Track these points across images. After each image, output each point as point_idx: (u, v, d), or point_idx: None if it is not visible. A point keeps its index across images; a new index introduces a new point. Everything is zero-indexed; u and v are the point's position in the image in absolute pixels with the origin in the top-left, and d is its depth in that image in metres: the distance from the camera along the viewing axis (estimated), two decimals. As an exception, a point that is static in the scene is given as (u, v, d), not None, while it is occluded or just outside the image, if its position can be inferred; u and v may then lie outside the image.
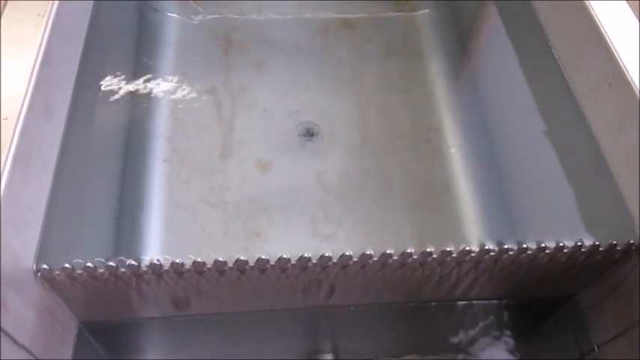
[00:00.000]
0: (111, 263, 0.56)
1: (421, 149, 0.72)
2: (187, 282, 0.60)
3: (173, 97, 0.75)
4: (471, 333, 0.79)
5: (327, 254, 0.59)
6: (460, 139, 0.73)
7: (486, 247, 0.60)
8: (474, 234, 0.64)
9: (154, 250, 0.60)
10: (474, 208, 0.67)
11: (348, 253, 0.59)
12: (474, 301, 0.70)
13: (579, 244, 0.60)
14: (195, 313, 0.67)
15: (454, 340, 0.80)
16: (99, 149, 0.66)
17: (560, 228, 0.61)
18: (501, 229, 0.64)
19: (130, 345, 0.75)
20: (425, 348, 0.83)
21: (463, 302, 0.70)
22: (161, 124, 0.72)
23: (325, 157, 0.71)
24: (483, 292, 0.68)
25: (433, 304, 0.69)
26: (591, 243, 0.60)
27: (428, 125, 0.75)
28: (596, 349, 0.68)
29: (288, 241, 0.63)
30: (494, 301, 0.70)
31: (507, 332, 0.80)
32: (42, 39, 0.62)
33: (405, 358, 0.82)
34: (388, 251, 0.59)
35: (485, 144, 0.72)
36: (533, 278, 0.65)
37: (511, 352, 0.81)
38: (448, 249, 0.60)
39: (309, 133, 0.73)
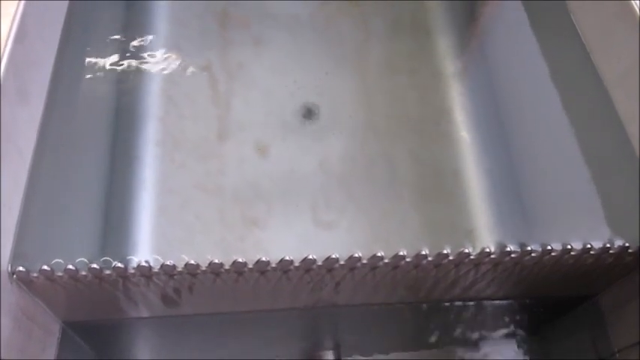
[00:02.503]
0: (94, 266, 0.52)
1: (429, 133, 0.68)
2: (179, 284, 0.56)
3: (165, 74, 0.70)
4: (483, 331, 0.77)
5: (333, 256, 0.55)
6: (470, 123, 0.68)
7: (507, 249, 0.56)
8: (484, 224, 0.61)
9: (145, 240, 0.56)
10: (484, 196, 0.63)
11: (356, 255, 0.55)
12: (489, 301, 0.67)
13: (608, 245, 0.57)
14: (188, 313, 0.63)
15: (465, 336, 0.78)
16: (83, 134, 0.62)
17: (577, 221, 0.58)
18: (512, 219, 0.61)
19: (120, 344, 0.71)
20: (434, 344, 0.80)
21: (477, 302, 0.67)
22: (153, 104, 0.67)
23: (327, 140, 0.67)
24: (499, 291, 0.64)
25: (446, 304, 0.66)
26: (620, 244, 0.57)
27: (436, 107, 0.70)
28: (617, 353, 0.65)
29: (288, 229, 0.60)
30: (510, 301, 0.68)
31: (520, 330, 0.78)
32: (16, 12, 0.56)
33: (411, 353, 0.79)
34: (401, 253, 0.55)
35: (497, 128, 0.67)
36: (553, 279, 0.62)
37: (524, 350, 0.79)
38: (466, 250, 0.56)
39: (311, 115, 0.69)
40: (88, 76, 0.66)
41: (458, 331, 0.78)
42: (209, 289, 0.57)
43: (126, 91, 0.67)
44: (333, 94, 0.70)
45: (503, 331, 0.78)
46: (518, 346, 0.79)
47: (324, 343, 0.76)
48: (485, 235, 0.60)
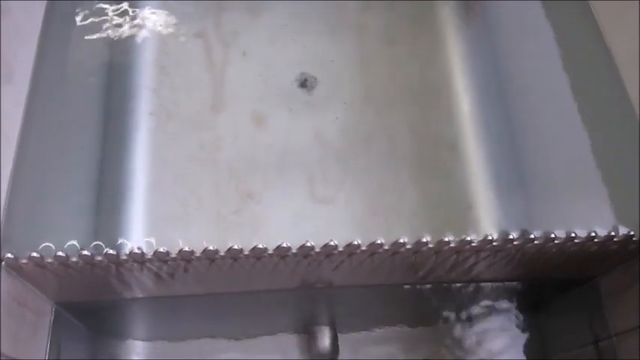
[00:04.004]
0: (85, 252, 0.50)
1: (429, 105, 0.66)
2: (174, 269, 0.54)
3: (158, 42, 0.68)
4: (480, 307, 0.77)
5: (331, 243, 0.53)
6: (472, 94, 0.66)
7: (510, 237, 0.55)
8: (483, 199, 0.60)
9: (138, 215, 0.56)
10: (484, 171, 0.62)
11: (355, 242, 0.54)
12: (488, 283, 0.66)
13: (612, 233, 0.55)
14: (183, 294, 0.62)
15: (462, 313, 0.78)
16: (72, 108, 0.60)
17: (578, 197, 0.57)
18: (512, 195, 0.60)
19: (115, 322, 0.71)
20: (431, 321, 0.80)
21: (476, 283, 0.66)
22: (145, 73, 0.64)
23: (325, 112, 0.65)
24: (499, 274, 0.64)
25: (444, 284, 0.65)
26: (625, 232, 0.55)
27: (437, 78, 0.68)
28: (614, 337, 0.64)
29: (284, 204, 0.59)
30: (509, 283, 0.67)
31: (518, 307, 0.78)
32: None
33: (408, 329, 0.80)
34: (401, 240, 0.54)
35: (500, 100, 0.65)
36: (554, 263, 0.61)
37: (521, 326, 0.79)
38: (468, 238, 0.55)
39: (308, 85, 0.67)
40: (76, 47, 0.64)
41: (455, 309, 0.78)
42: (204, 273, 0.57)
43: (116, 62, 0.64)
44: (331, 63, 0.68)
45: (501, 307, 0.78)
46: (515, 322, 0.80)
47: (321, 319, 0.76)
48: (485, 211, 0.59)
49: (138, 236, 0.54)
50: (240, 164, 0.60)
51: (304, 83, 0.67)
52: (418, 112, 0.65)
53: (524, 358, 0.79)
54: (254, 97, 0.65)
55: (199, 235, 0.55)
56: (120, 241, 0.52)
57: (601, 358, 0.65)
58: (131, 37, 0.66)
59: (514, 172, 0.61)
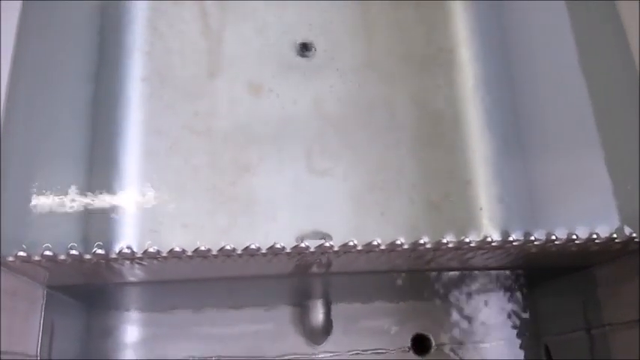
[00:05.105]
0: (73, 252, 0.49)
1: (432, 74, 0.64)
2: (165, 265, 0.53)
3: (150, 2, 0.64)
4: (475, 287, 0.77)
5: (327, 244, 0.52)
6: (476, 64, 0.63)
7: (510, 238, 0.54)
8: (483, 175, 0.59)
9: (132, 187, 0.55)
10: (486, 146, 0.60)
11: (351, 243, 0.53)
12: (484, 272, 0.66)
13: (614, 236, 0.54)
14: (176, 279, 0.62)
15: (457, 291, 0.78)
16: (60, 73, 0.58)
17: (579, 182, 0.56)
18: (512, 172, 0.59)
19: (109, 300, 0.71)
20: (426, 297, 0.81)
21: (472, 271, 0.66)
22: (138, 36, 0.61)
23: (324, 80, 0.62)
24: (496, 264, 0.63)
25: (441, 274, 0.65)
26: (627, 234, 0.54)
27: (442, 45, 0.66)
28: (607, 327, 0.64)
29: (281, 176, 0.58)
30: (505, 271, 0.67)
31: (513, 287, 0.78)
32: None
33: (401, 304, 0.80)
34: (398, 241, 0.53)
35: (505, 73, 0.62)
36: (553, 257, 0.60)
37: (516, 304, 0.79)
38: (467, 239, 0.54)
39: (307, 51, 0.64)
40: (64, 8, 0.60)
41: (450, 287, 0.78)
42: (196, 266, 0.56)
43: (108, 23, 0.61)
44: (331, 28, 0.64)
45: (496, 285, 0.78)
46: (509, 300, 0.80)
47: (314, 294, 0.76)
48: (483, 188, 0.58)
49: (132, 203, 0.53)
50: (237, 134, 0.59)
51: (303, 48, 0.64)
52: (420, 82, 0.63)
53: (517, 336, 0.80)
54: (251, 64, 0.62)
55: (195, 207, 0.55)
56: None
57: (592, 346, 0.66)
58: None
59: (516, 150, 0.59)
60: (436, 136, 0.60)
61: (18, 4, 0.60)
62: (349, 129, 0.60)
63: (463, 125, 0.61)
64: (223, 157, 0.58)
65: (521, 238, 0.55)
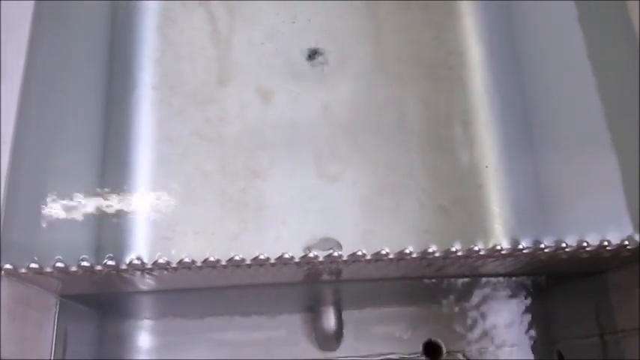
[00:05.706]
0: (85, 264, 0.49)
1: (441, 77, 0.64)
2: (175, 275, 0.54)
3: (160, 9, 0.65)
4: (486, 291, 0.76)
5: (335, 254, 0.52)
6: (486, 67, 0.63)
7: (520, 247, 0.54)
8: (493, 179, 0.59)
9: (144, 193, 0.55)
10: (495, 149, 0.60)
11: (359, 252, 0.53)
12: (495, 278, 0.65)
13: (625, 242, 0.54)
14: (187, 287, 0.62)
15: (468, 297, 0.78)
16: (72, 82, 0.58)
17: (590, 185, 0.56)
18: (524, 175, 0.58)
19: (120, 305, 0.72)
20: (437, 300, 0.81)
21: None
22: (148, 44, 0.62)
23: (334, 84, 0.62)
24: (507, 271, 0.63)
25: (451, 279, 0.64)
26: (639, 241, 0.53)
27: (450, 48, 0.65)
28: (620, 333, 0.63)
29: (291, 181, 0.58)
30: (516, 277, 0.66)
31: (525, 291, 0.77)
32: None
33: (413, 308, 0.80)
34: (406, 250, 0.53)
35: (515, 75, 0.62)
36: (563, 264, 0.59)
37: (528, 309, 0.79)
38: (476, 248, 0.53)
39: (317, 57, 0.64)
40: (75, 17, 0.61)
41: (462, 292, 0.77)
42: (206, 276, 0.56)
43: (118, 31, 0.62)
44: (341, 33, 0.65)
45: (507, 290, 0.77)
46: (521, 305, 0.79)
47: (325, 300, 0.76)
48: (495, 192, 0.58)
49: (142, 217, 0.54)
50: (247, 140, 0.59)
51: (313, 54, 0.64)
52: (429, 86, 0.62)
53: (529, 341, 0.79)
54: (260, 70, 0.62)
55: (205, 214, 0.55)
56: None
57: (605, 352, 0.64)
58: (132, 4, 0.63)
59: (527, 154, 0.59)
60: (446, 140, 0.60)
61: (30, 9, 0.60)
62: (359, 133, 0.60)
63: (473, 129, 0.60)
64: (233, 163, 0.58)
65: (531, 245, 0.54)
